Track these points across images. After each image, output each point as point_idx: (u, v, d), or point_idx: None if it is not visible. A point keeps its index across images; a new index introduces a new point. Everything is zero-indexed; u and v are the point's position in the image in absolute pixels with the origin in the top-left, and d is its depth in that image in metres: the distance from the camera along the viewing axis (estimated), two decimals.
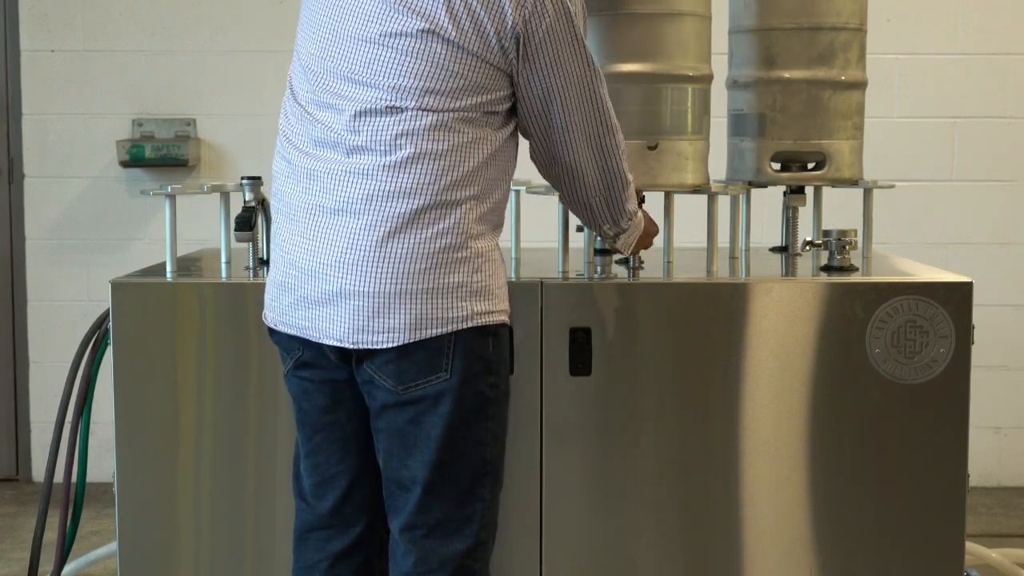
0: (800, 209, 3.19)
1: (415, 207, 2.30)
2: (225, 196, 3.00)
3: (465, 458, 2.37)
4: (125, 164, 5.05)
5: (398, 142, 2.30)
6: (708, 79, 2.87)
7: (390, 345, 2.31)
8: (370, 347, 2.31)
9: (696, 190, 2.86)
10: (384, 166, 2.30)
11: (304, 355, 2.43)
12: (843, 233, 2.85)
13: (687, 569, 2.73)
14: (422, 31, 2.29)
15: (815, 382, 2.69)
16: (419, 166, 2.30)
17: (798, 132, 3.03)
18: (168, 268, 2.80)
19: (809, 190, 3.19)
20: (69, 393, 2.98)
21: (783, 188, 3.16)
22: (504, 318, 2.39)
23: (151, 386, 2.73)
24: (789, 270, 3.02)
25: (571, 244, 2.82)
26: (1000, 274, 5.13)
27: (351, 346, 2.33)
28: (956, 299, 2.68)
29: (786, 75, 3.01)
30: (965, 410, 2.70)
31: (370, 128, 2.32)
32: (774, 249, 3.29)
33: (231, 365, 2.73)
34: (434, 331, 2.30)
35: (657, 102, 2.79)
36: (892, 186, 3.15)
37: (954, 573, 2.72)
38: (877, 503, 2.71)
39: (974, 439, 2.74)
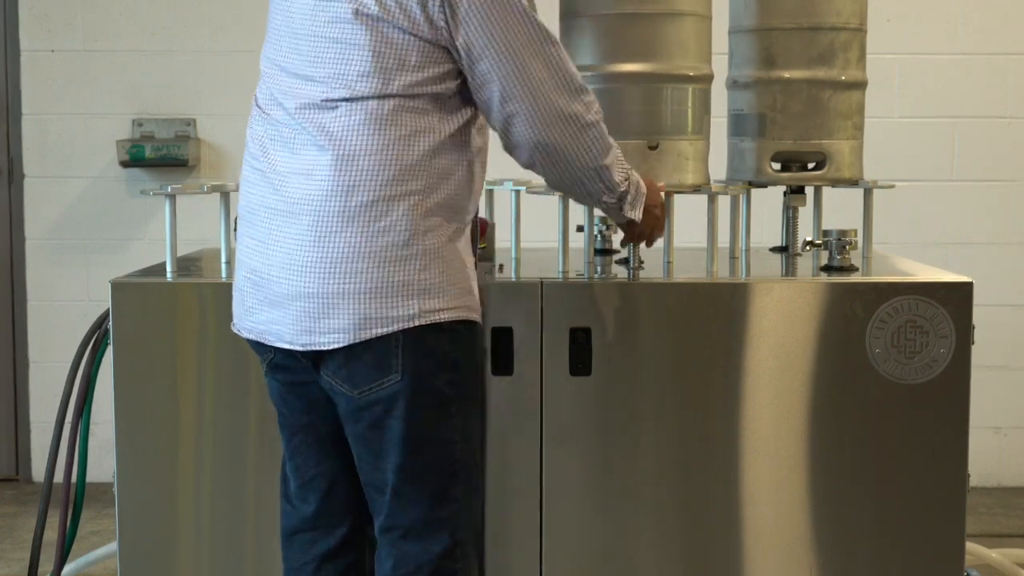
0: (800, 209, 3.19)
1: (354, 204, 2.25)
2: (225, 196, 3.01)
3: (432, 459, 2.34)
4: (125, 164, 5.05)
5: (335, 137, 2.27)
6: (708, 79, 2.87)
7: (335, 346, 2.27)
8: (316, 348, 2.29)
9: (696, 190, 2.86)
10: (323, 163, 2.27)
11: (276, 358, 2.42)
12: (843, 233, 2.85)
13: (687, 569, 2.73)
14: (351, 14, 2.25)
15: (815, 382, 2.69)
16: (356, 161, 2.25)
17: (798, 132, 3.03)
18: (168, 268, 2.80)
19: (809, 190, 3.19)
20: (69, 393, 2.98)
21: (783, 188, 3.16)
22: (463, 315, 2.34)
23: (151, 386, 2.73)
24: (789, 270, 3.02)
25: (571, 244, 2.81)
26: (1000, 274, 5.13)
27: (299, 348, 2.31)
28: (956, 299, 2.68)
29: (786, 75, 3.01)
30: (965, 410, 2.70)
31: (310, 124, 2.30)
32: (774, 249, 3.29)
33: (231, 365, 2.73)
34: (379, 330, 2.26)
35: (657, 102, 2.79)
36: (892, 186, 3.15)
37: (954, 573, 2.72)
38: (877, 503, 2.71)
39: (974, 439, 2.74)
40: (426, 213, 2.28)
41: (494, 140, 2.44)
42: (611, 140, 2.43)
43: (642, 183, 2.55)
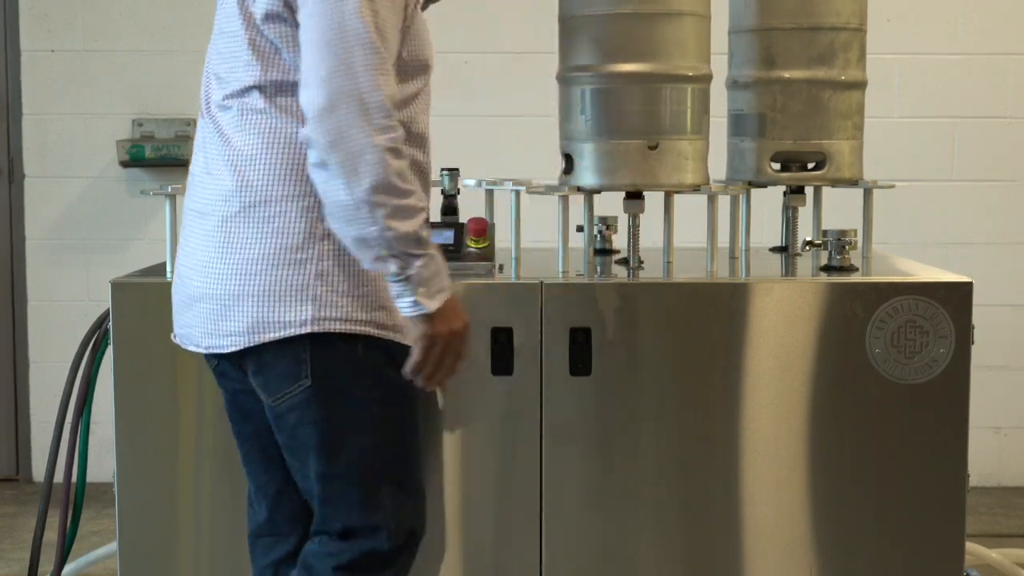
0: (800, 209, 3.19)
1: (249, 204, 2.22)
2: None
3: (352, 465, 2.30)
4: (125, 164, 5.05)
5: (227, 135, 2.25)
6: (708, 79, 2.88)
7: (232, 349, 2.25)
8: (216, 351, 2.28)
9: (696, 190, 2.86)
10: (222, 163, 2.25)
11: (219, 365, 2.40)
12: (843, 233, 2.85)
13: (687, 569, 2.73)
14: (237, 4, 2.24)
15: (815, 382, 2.69)
16: (249, 161, 2.22)
17: (798, 132, 3.03)
18: (168, 268, 2.80)
19: (809, 190, 3.19)
20: (69, 393, 2.98)
21: (783, 188, 3.16)
22: (370, 331, 2.23)
23: (151, 386, 2.73)
24: (789, 270, 3.02)
25: (571, 244, 2.81)
26: (1000, 274, 5.13)
27: (203, 350, 2.31)
28: (956, 299, 2.68)
29: (786, 75, 3.01)
30: (965, 410, 2.70)
31: (214, 123, 2.29)
32: (774, 249, 3.29)
33: None
34: (271, 335, 2.22)
35: (657, 102, 2.79)
36: (892, 186, 3.15)
37: (954, 573, 2.72)
38: (877, 503, 2.71)
39: (974, 439, 2.74)
40: (324, 215, 2.20)
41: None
42: (412, 186, 2.16)
43: (447, 282, 2.23)
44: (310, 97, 2.12)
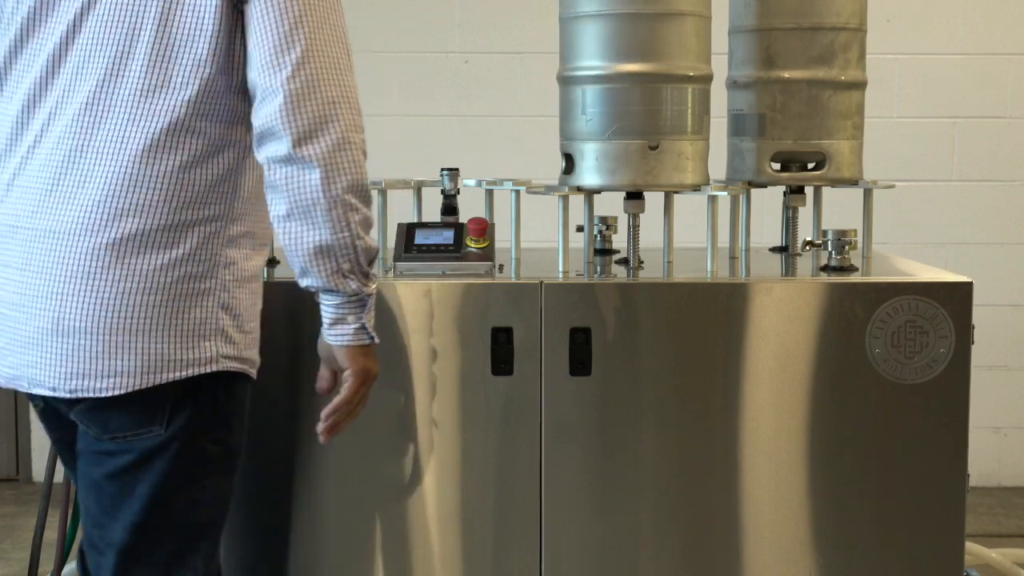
0: (800, 209, 3.19)
1: (145, 228, 1.95)
2: None
3: (175, 522, 2.06)
4: None
5: (124, 148, 1.97)
6: (708, 79, 2.88)
7: (118, 392, 1.96)
8: (93, 395, 1.96)
9: (696, 190, 2.86)
10: (109, 180, 1.97)
11: (46, 407, 2.12)
12: (843, 233, 2.85)
13: (687, 569, 2.73)
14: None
15: (815, 382, 2.69)
16: (149, 179, 1.96)
17: (798, 132, 3.03)
18: None
19: (809, 190, 3.19)
20: None
21: (783, 188, 3.16)
22: (248, 369, 2.09)
23: None
24: (789, 270, 3.02)
25: (571, 244, 2.81)
26: (1000, 274, 5.13)
27: (67, 395, 1.97)
28: (956, 299, 2.68)
29: (786, 75, 3.01)
30: (965, 410, 2.70)
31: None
32: (774, 249, 3.29)
33: None
34: (170, 375, 1.97)
35: (657, 102, 2.79)
36: (892, 186, 3.15)
37: (954, 573, 2.72)
38: (877, 503, 2.71)
39: (974, 439, 2.74)
40: (230, 242, 2.03)
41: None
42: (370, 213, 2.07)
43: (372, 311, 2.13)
44: (280, 79, 1.92)
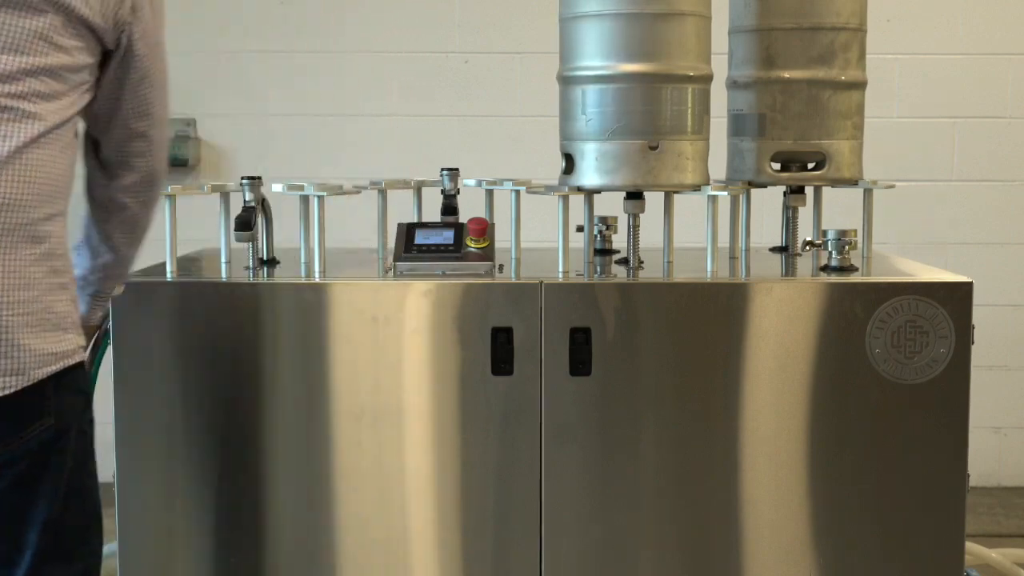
0: (800, 209, 3.19)
1: (15, 223, 1.98)
2: (225, 196, 3.00)
3: (80, 509, 2.10)
4: None
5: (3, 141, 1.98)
6: (708, 79, 2.88)
7: (10, 391, 1.94)
8: None
9: (696, 190, 2.86)
10: None
11: None
12: (843, 233, 2.85)
13: (687, 569, 2.73)
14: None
15: (815, 382, 2.69)
16: (17, 172, 2.00)
17: (798, 132, 3.03)
18: (168, 268, 2.80)
19: (809, 190, 3.19)
20: None
21: (783, 188, 3.16)
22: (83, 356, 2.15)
23: (151, 386, 2.73)
24: (789, 270, 3.02)
25: (571, 244, 2.81)
26: (1000, 274, 5.14)
27: None
28: (956, 299, 2.68)
29: (786, 75, 3.01)
30: (965, 410, 2.70)
31: None
32: (774, 249, 3.29)
33: (230, 365, 2.72)
34: (51, 368, 1.99)
35: (657, 102, 2.79)
36: (892, 186, 3.15)
37: (954, 573, 2.72)
38: (877, 503, 2.71)
39: (974, 439, 2.74)
40: (66, 236, 2.11)
41: None
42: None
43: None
44: (160, 134, 2.33)
